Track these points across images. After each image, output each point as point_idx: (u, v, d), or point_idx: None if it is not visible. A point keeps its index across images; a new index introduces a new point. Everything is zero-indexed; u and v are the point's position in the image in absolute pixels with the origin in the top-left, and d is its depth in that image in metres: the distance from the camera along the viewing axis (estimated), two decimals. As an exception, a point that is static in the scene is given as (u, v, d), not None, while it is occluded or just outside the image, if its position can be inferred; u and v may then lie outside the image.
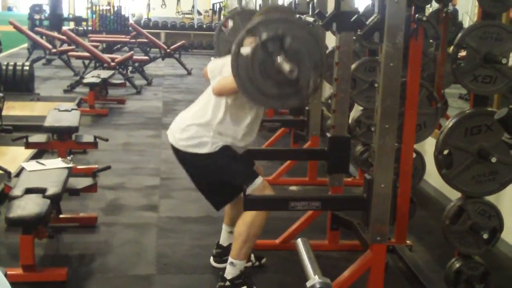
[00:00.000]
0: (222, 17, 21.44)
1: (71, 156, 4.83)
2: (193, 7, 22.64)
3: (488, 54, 2.95)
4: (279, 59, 2.83)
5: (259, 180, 3.43)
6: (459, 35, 3.00)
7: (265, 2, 6.88)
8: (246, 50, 2.86)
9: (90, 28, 17.61)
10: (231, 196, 3.61)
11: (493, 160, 2.97)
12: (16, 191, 3.71)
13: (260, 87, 2.91)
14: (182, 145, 3.46)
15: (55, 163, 4.31)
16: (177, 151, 3.53)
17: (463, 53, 3.04)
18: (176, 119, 3.60)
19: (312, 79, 2.93)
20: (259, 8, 7.71)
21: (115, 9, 17.80)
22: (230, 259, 3.48)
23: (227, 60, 3.01)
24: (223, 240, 3.89)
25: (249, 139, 3.52)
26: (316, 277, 2.23)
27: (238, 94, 3.18)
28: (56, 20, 17.20)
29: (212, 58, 9.93)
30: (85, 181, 4.44)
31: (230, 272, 3.46)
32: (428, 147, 4.66)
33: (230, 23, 5.85)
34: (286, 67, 2.77)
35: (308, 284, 2.23)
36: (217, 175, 3.46)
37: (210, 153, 3.39)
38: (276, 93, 2.93)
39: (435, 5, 4.23)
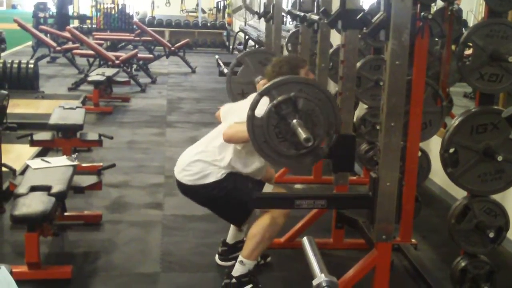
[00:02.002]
0: (226, 15, 21.48)
1: (76, 154, 4.82)
2: (197, 5, 22.67)
3: (495, 52, 2.94)
4: (294, 123, 2.86)
5: (267, 188, 3.47)
6: (465, 33, 2.99)
7: (269, 0, 6.87)
8: (260, 111, 2.89)
9: (94, 26, 17.62)
10: (247, 214, 3.59)
11: (499, 158, 2.97)
12: (21, 189, 3.72)
13: (276, 148, 2.94)
14: (188, 180, 3.52)
15: (60, 161, 4.32)
16: (183, 187, 3.58)
17: (468, 51, 3.04)
18: (182, 154, 3.65)
19: (328, 137, 2.97)
20: (263, 7, 7.69)
21: (120, 7, 17.80)
22: (240, 258, 3.48)
23: (240, 105, 3.02)
24: (230, 238, 3.89)
25: (256, 178, 3.56)
26: (323, 275, 2.22)
27: (247, 143, 3.19)
28: (63, 19, 17.22)
29: (216, 56, 9.95)
30: (90, 179, 4.44)
31: (238, 270, 3.47)
32: (433, 145, 4.65)
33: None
34: (302, 135, 2.78)
35: (315, 282, 2.21)
36: (227, 199, 3.49)
37: (216, 181, 3.45)
38: (292, 154, 2.96)
39: (439, 3, 4.22)
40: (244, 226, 3.82)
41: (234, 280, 3.46)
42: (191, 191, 3.56)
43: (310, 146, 2.87)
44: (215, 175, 3.45)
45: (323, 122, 2.94)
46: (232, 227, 3.88)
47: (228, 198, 3.47)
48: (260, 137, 2.92)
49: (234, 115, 3.40)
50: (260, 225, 3.43)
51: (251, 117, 2.91)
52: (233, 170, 3.47)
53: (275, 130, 2.91)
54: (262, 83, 2.92)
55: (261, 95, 2.92)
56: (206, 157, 3.49)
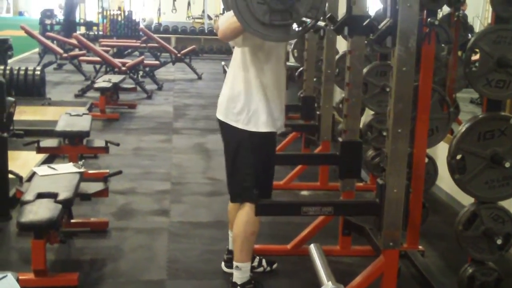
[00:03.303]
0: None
1: (83, 160, 4.83)
2: (203, 11, 22.67)
3: (502, 58, 2.94)
4: None
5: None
6: (472, 39, 2.99)
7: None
8: None
9: (101, 32, 17.67)
10: (248, 189, 3.42)
11: (507, 165, 2.96)
12: (28, 196, 3.72)
13: (253, 8, 2.86)
14: (228, 117, 3.43)
15: (67, 168, 4.32)
16: (222, 124, 3.50)
17: (475, 57, 3.03)
18: (221, 93, 3.55)
19: (305, 17, 2.92)
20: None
21: (126, 14, 17.84)
22: (234, 264, 3.47)
23: None
24: (232, 245, 3.88)
25: (281, 85, 3.47)
26: (330, 283, 2.23)
27: (244, 39, 3.16)
28: (70, 26, 17.29)
29: (222, 63, 9.93)
30: (97, 186, 4.44)
31: (238, 276, 3.46)
32: (440, 151, 4.64)
33: None
34: None
35: (321, 290, 2.22)
36: (249, 157, 3.39)
37: (253, 132, 3.36)
38: (265, 20, 2.88)
39: (446, 9, 4.21)
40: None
41: (239, 288, 3.45)
42: (226, 128, 3.48)
43: (285, 17, 2.85)
44: (254, 123, 3.34)
45: (306, 2, 2.90)
46: (230, 235, 3.86)
47: (251, 156, 3.38)
48: None
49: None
50: (238, 224, 3.42)
51: None
52: (267, 90, 3.36)
53: None
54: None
55: None
56: (236, 84, 3.39)
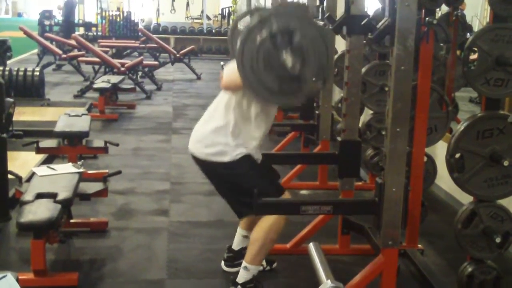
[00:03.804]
0: (231, 21, 21.50)
1: (82, 161, 4.83)
2: (202, 12, 22.69)
3: (500, 57, 2.94)
4: (285, 53, 2.81)
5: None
6: (471, 38, 2.99)
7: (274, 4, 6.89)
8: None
9: (99, 33, 17.68)
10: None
11: (506, 163, 2.96)
12: (27, 196, 3.72)
13: (261, 78, 2.87)
14: (203, 153, 3.44)
15: (66, 168, 4.32)
16: (198, 161, 3.51)
17: (473, 56, 3.03)
18: (194, 129, 3.58)
19: (314, 81, 2.91)
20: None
21: (125, 14, 17.86)
22: (244, 263, 3.46)
23: None
24: (236, 244, 3.88)
25: (262, 134, 3.47)
26: (329, 281, 2.23)
27: (245, 92, 3.16)
28: (69, 26, 17.30)
29: (221, 63, 9.95)
30: (96, 186, 4.45)
31: (243, 276, 3.45)
32: (439, 150, 4.64)
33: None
34: (289, 61, 2.75)
35: (321, 288, 2.22)
36: (238, 182, 3.42)
37: (231, 161, 3.36)
38: (275, 88, 2.89)
39: (444, 9, 4.22)
40: (247, 229, 3.80)
41: (239, 287, 3.45)
42: (205, 165, 3.48)
43: (293, 82, 2.84)
44: (230, 154, 3.35)
45: (313, 64, 2.88)
46: (238, 233, 3.88)
47: (239, 181, 3.39)
48: (247, 61, 2.86)
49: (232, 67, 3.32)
50: (262, 228, 3.40)
51: (245, 39, 2.86)
52: (245, 146, 3.38)
53: (264, 58, 2.85)
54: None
55: (260, 22, 2.86)
56: (215, 125, 3.40)
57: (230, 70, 3.24)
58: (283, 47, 2.82)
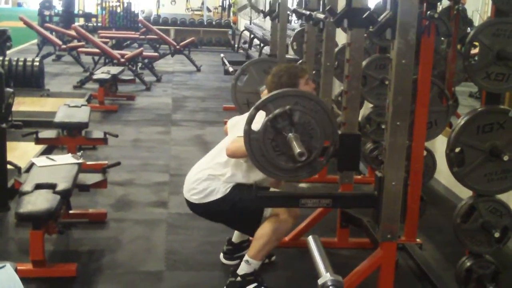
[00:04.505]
0: (231, 13, 21.49)
1: (81, 152, 4.83)
2: (202, 3, 22.66)
3: (501, 51, 2.93)
4: (289, 137, 2.89)
5: None
6: (472, 32, 2.98)
7: (274, 0, 6.87)
8: (257, 126, 2.93)
9: (99, 24, 17.63)
10: (257, 222, 3.52)
11: (505, 158, 2.96)
12: (26, 187, 3.72)
13: (273, 162, 2.97)
14: (195, 199, 3.51)
15: (65, 159, 4.32)
16: (192, 206, 3.58)
17: (474, 51, 3.03)
18: (188, 173, 3.63)
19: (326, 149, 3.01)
20: (268, 6, 7.70)
21: (125, 5, 17.81)
22: (246, 257, 3.48)
23: (245, 117, 3.03)
24: (236, 237, 3.89)
25: (263, 184, 3.53)
26: (328, 274, 2.21)
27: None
28: (69, 17, 17.27)
29: (221, 55, 9.92)
30: (95, 177, 4.45)
31: (243, 269, 3.47)
32: (438, 145, 4.64)
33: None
34: (296, 149, 2.82)
35: (320, 281, 2.20)
36: (235, 212, 3.47)
37: (222, 197, 3.44)
38: (290, 167, 2.99)
39: (445, 2, 4.21)
40: None
41: (239, 279, 3.45)
42: (200, 209, 3.56)
43: (306, 160, 2.90)
44: (220, 190, 3.44)
45: (319, 135, 2.97)
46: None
47: (237, 210, 3.45)
48: (257, 151, 2.96)
49: (238, 129, 3.35)
50: (268, 226, 3.42)
51: (248, 131, 2.95)
52: (236, 182, 3.46)
53: (271, 143, 2.95)
54: (265, 93, 2.96)
55: (256, 109, 2.96)
56: (210, 173, 3.48)
57: (235, 136, 3.32)
58: (286, 130, 2.92)
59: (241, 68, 6.02)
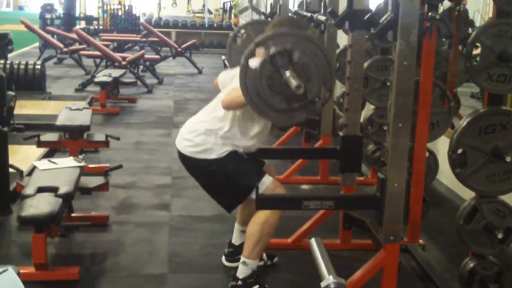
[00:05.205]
0: (232, 16, 21.50)
1: (83, 155, 4.82)
2: (203, 6, 22.68)
3: (503, 53, 2.92)
4: (287, 74, 2.81)
5: (267, 179, 3.43)
6: (474, 33, 2.98)
7: (275, 1, 6.87)
8: (254, 62, 2.84)
9: (101, 27, 17.66)
10: (241, 198, 3.55)
11: (508, 159, 2.95)
12: (28, 190, 3.72)
13: (268, 101, 2.88)
14: (189, 151, 3.45)
15: (67, 162, 4.32)
16: (183, 157, 3.51)
17: (476, 52, 3.02)
18: (184, 125, 3.59)
19: (321, 93, 2.92)
20: (269, 8, 7.70)
21: (126, 8, 17.84)
22: (242, 258, 3.47)
23: (237, 72, 2.99)
24: (235, 239, 3.88)
25: (255, 147, 3.53)
26: (331, 277, 2.22)
27: (246, 107, 3.15)
28: (70, 20, 17.29)
29: (223, 57, 9.92)
30: (97, 180, 4.45)
31: (242, 271, 3.45)
32: (441, 146, 4.64)
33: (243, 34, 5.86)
34: (293, 82, 2.75)
35: (323, 284, 2.21)
36: (225, 179, 3.43)
37: (217, 158, 3.39)
38: (284, 107, 2.90)
39: (446, 3, 4.21)
40: (243, 224, 3.79)
41: (240, 282, 3.45)
42: (191, 163, 3.49)
43: (302, 99, 2.84)
44: (216, 152, 3.38)
45: (317, 78, 2.87)
46: (236, 228, 3.88)
47: (226, 178, 3.41)
48: (252, 89, 2.86)
49: (233, 81, 3.33)
50: (257, 222, 3.40)
51: (245, 67, 2.85)
52: (234, 144, 3.41)
53: (268, 82, 2.84)
54: (259, 52, 2.89)
55: (256, 44, 2.87)
56: (207, 127, 3.42)
57: (230, 89, 3.29)
58: (284, 68, 2.83)
59: (239, 27, 5.95)
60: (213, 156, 3.39)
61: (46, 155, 5.73)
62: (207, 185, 3.60)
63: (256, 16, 13.63)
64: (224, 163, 3.40)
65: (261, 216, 3.39)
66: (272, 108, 2.90)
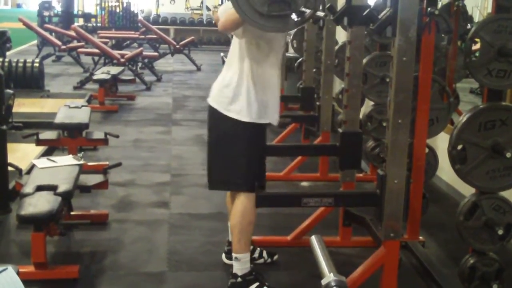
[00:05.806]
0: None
1: (82, 153, 4.82)
2: (202, 3, 22.63)
3: (503, 48, 2.92)
4: None
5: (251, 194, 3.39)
6: (473, 28, 2.97)
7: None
8: None
9: (99, 24, 17.64)
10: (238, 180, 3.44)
11: (508, 155, 2.94)
12: (27, 189, 3.71)
13: (250, 2, 2.85)
14: (225, 108, 3.40)
15: (66, 160, 4.31)
16: (214, 112, 3.46)
17: (475, 47, 3.01)
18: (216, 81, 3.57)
19: (303, 7, 2.92)
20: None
21: (124, 5, 17.81)
22: (233, 255, 3.46)
23: None
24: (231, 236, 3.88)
25: (275, 77, 3.45)
26: (331, 274, 2.21)
27: (244, 30, 3.15)
28: (68, 17, 17.28)
29: (221, 54, 9.89)
30: (96, 178, 4.44)
31: (238, 267, 3.45)
32: (440, 142, 4.63)
33: None
34: None
35: (323, 282, 2.20)
36: (239, 148, 3.38)
37: (238, 120, 3.33)
38: (264, 10, 2.86)
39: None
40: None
41: (239, 280, 3.44)
42: (217, 115, 3.44)
43: (284, 8, 2.84)
44: (250, 116, 3.32)
45: None
46: (229, 226, 3.85)
47: (244, 146, 3.36)
48: None
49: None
50: (235, 214, 3.40)
51: None
52: (261, 90, 3.35)
53: None
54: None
55: None
56: (233, 79, 3.39)
57: (224, 10, 3.27)
58: None
59: None
60: (241, 116, 3.34)
61: (45, 153, 5.72)
62: (219, 146, 3.51)
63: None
64: (246, 129, 3.35)
65: (238, 207, 3.39)
66: (253, 8, 2.87)
